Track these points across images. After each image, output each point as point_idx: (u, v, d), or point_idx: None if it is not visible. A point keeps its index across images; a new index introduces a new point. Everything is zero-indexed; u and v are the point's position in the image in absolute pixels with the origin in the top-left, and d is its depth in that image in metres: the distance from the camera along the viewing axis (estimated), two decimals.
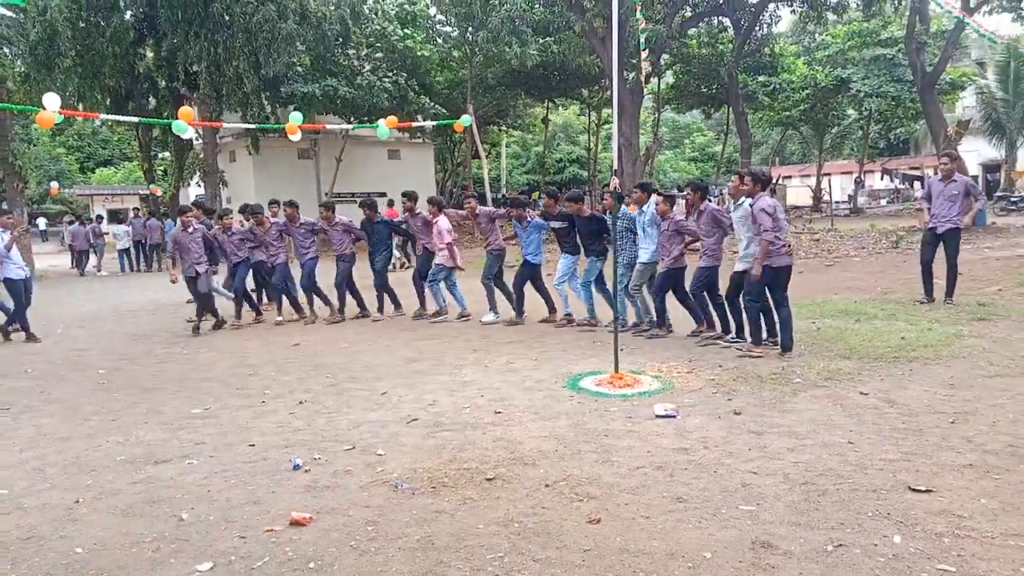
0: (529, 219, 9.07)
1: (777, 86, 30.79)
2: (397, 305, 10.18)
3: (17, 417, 5.86)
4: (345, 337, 8.87)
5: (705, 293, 7.61)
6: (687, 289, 7.80)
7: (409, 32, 24.17)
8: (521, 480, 4.02)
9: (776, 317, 6.83)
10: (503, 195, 33.11)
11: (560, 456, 4.37)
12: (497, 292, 9.42)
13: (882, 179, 47.21)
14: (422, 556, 3.20)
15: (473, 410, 5.44)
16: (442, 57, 27.19)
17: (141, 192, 31.40)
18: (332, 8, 22.10)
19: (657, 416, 5.05)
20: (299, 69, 22.61)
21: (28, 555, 3.37)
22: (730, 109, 30.68)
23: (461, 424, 5.10)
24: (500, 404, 5.56)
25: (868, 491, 3.67)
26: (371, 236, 10.01)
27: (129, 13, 22.08)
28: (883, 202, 42.53)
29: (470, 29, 24.69)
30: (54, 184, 31.01)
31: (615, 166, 7.07)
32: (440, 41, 26.59)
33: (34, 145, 32.57)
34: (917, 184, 38.07)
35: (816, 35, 37.34)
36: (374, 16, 23.46)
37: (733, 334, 7.44)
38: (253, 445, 4.84)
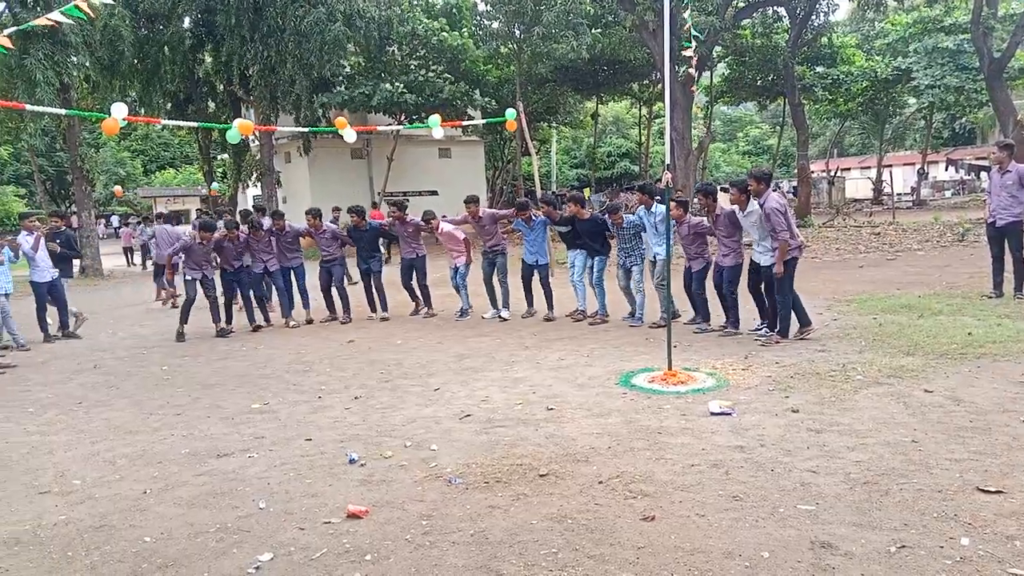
0: (534, 218, 9.39)
1: (836, 78, 29.94)
2: (384, 307, 10.27)
3: (89, 411, 6.10)
4: (398, 334, 8.99)
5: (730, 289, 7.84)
6: (720, 290, 7.90)
7: (443, 24, 24.20)
8: (574, 477, 4.01)
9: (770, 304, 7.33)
10: (553, 191, 33.03)
11: (613, 453, 4.35)
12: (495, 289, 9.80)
13: (946, 170, 45.63)
14: (476, 551, 3.23)
15: (525, 406, 5.46)
16: (490, 54, 27.25)
17: (201, 193, 32.40)
18: (383, 10, 22.36)
19: (712, 413, 4.98)
20: (348, 71, 22.94)
21: (100, 542, 3.52)
22: (786, 101, 29.99)
23: (513, 420, 5.12)
24: (552, 401, 5.56)
25: (933, 491, 3.56)
26: (359, 241, 10.17)
27: (188, 20, 22.74)
28: (948, 194, 41.09)
29: (519, 26, 24.69)
30: (117, 187, 32.24)
31: (667, 160, 7.00)
32: (484, 35, 26.61)
33: (100, 149, 33.89)
34: (984, 175, 36.65)
35: (875, 23, 36.26)
36: (412, 15, 23.57)
37: (758, 324, 7.61)
38: (310, 440, 4.95)
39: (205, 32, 22.94)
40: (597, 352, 7.28)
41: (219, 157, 31.55)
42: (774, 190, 7.29)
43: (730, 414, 4.96)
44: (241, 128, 10.77)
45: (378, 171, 27.00)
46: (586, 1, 23.93)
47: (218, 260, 9.88)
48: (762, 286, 7.50)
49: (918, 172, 38.30)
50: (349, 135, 11.63)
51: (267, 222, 10.72)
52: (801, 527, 3.27)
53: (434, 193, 27.06)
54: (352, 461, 4.44)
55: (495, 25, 26.67)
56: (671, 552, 3.12)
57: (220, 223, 11.00)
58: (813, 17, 26.13)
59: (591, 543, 3.24)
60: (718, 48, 27.71)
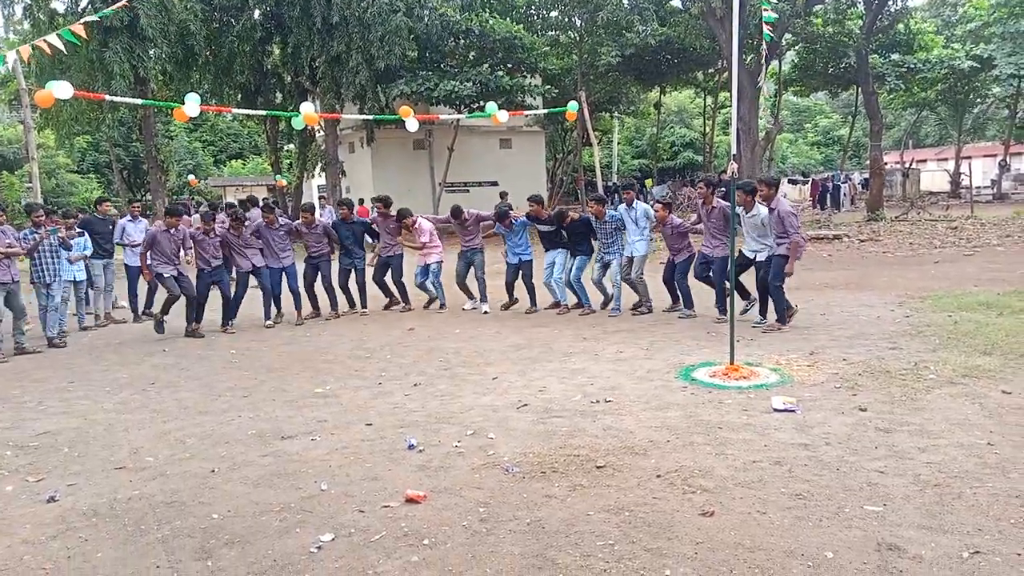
0: (514, 220, 9.62)
1: (912, 66, 28.68)
2: (364, 303, 10.19)
3: (161, 391, 6.35)
4: (457, 323, 9.06)
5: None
6: (710, 279, 8.44)
7: (487, 12, 24.11)
8: (632, 469, 3.98)
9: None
10: (614, 183, 32.69)
11: (672, 447, 4.30)
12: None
13: None
14: (532, 539, 3.24)
15: (583, 398, 5.44)
16: (550, 43, 27.05)
17: (268, 183, 33.27)
18: (445, 2, 22.50)
19: (775, 410, 4.88)
20: (408, 63, 23.17)
21: (171, 517, 3.66)
22: (858, 89, 28.92)
23: (571, 411, 5.11)
24: (610, 393, 5.53)
25: (1010, 496, 3.41)
26: (345, 237, 10.03)
27: (257, 12, 23.28)
28: None
29: (582, 15, 24.43)
30: (192, 177, 33.48)
31: (733, 151, 6.86)
32: (542, 24, 26.42)
33: (173, 139, 35.25)
34: None
35: (957, 7, 34.68)
36: (469, 17, 23.57)
37: (758, 315, 7.99)
38: (370, 424, 5.04)
39: (274, 24, 23.47)
40: (656, 345, 7.20)
41: (286, 148, 32.26)
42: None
43: (794, 411, 4.84)
44: (306, 117, 11.03)
45: (439, 162, 27.18)
46: None
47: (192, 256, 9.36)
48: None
49: (1000, 164, 36.51)
50: (412, 124, 11.79)
51: (255, 214, 10.34)
52: (867, 528, 3.18)
53: (494, 184, 27.07)
54: (411, 447, 4.50)
55: (553, 14, 26.46)
56: (730, 548, 3.07)
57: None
58: (890, 2, 25.11)
59: (648, 536, 3.21)
60: (788, 35, 26.87)
